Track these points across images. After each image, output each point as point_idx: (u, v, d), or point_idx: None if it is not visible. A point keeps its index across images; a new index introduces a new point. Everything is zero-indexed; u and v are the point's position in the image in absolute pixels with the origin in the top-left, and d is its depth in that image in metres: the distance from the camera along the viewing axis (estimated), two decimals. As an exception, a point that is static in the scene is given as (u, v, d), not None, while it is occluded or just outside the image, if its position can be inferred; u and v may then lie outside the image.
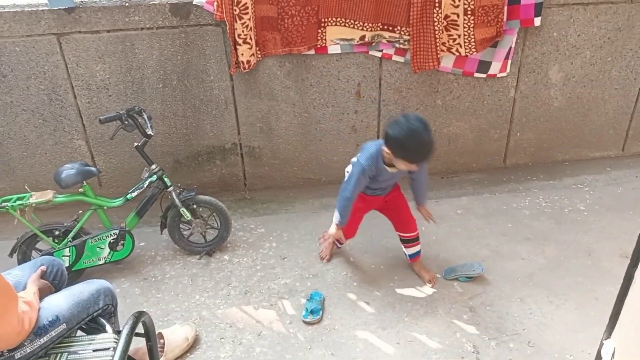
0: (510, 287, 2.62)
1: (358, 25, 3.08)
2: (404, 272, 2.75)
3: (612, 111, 3.70)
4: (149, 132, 2.67)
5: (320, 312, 2.46)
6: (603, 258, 2.79)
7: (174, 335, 2.28)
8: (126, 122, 2.55)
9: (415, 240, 2.64)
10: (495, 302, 2.52)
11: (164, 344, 2.24)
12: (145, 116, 2.70)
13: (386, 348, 2.28)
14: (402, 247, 2.69)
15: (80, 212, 2.69)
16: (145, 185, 2.74)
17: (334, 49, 3.15)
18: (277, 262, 2.86)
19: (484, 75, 3.38)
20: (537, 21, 3.19)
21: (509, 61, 3.35)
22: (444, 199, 3.43)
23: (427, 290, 2.62)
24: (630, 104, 3.69)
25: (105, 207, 2.73)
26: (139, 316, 1.67)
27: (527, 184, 3.57)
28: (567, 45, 3.39)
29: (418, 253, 2.68)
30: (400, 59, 3.26)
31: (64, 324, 1.65)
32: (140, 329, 1.75)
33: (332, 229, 2.46)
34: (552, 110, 3.62)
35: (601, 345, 1.60)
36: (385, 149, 2.19)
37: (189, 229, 2.88)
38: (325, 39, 3.11)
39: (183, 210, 2.76)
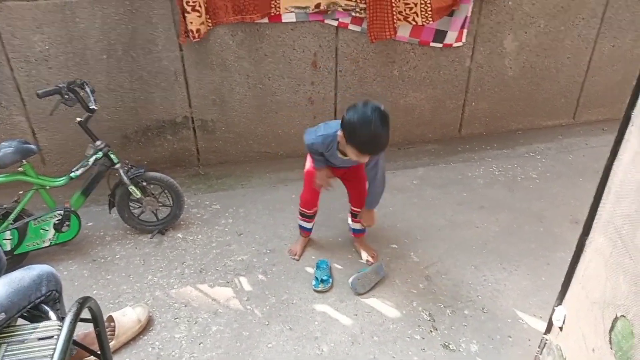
0: (465, 255, 2.65)
1: (312, -8, 2.98)
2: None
3: (564, 80, 3.76)
4: (92, 106, 2.52)
5: (331, 280, 2.47)
6: (554, 224, 2.87)
7: (126, 318, 2.20)
8: (66, 96, 2.39)
9: None
10: (451, 271, 2.55)
11: (114, 327, 2.16)
12: (88, 89, 2.55)
13: (344, 320, 2.28)
14: (349, 219, 2.67)
15: (21, 192, 2.54)
16: (90, 163, 2.60)
17: (288, 17, 3.05)
18: (233, 238, 2.80)
19: (440, 45, 3.36)
20: None
21: (465, 30, 3.33)
22: (400, 169, 3.43)
23: (385, 261, 2.62)
24: (581, 73, 3.76)
25: (47, 187, 2.59)
26: (83, 302, 1.58)
27: (481, 153, 3.61)
28: (521, 14, 3.39)
29: (360, 231, 2.66)
30: (357, 29, 3.19)
31: (3, 313, 1.55)
32: (87, 314, 1.67)
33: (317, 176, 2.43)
34: (506, 79, 3.65)
35: (553, 311, 1.63)
36: (339, 133, 2.12)
37: (139, 207, 2.78)
38: (279, 7, 3.00)
39: (132, 188, 2.64)
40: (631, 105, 1.25)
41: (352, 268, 2.57)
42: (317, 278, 2.47)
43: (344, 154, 2.21)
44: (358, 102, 2.04)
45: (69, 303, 1.82)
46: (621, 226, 1.24)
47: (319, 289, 2.43)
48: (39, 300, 1.69)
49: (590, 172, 3.31)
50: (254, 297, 2.42)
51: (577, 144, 3.71)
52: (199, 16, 2.85)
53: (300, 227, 2.67)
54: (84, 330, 2.12)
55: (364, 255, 2.63)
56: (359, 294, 2.40)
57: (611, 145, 1.32)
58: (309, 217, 2.61)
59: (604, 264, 1.32)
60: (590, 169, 3.35)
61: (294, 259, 2.64)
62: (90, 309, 1.69)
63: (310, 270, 2.56)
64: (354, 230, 2.66)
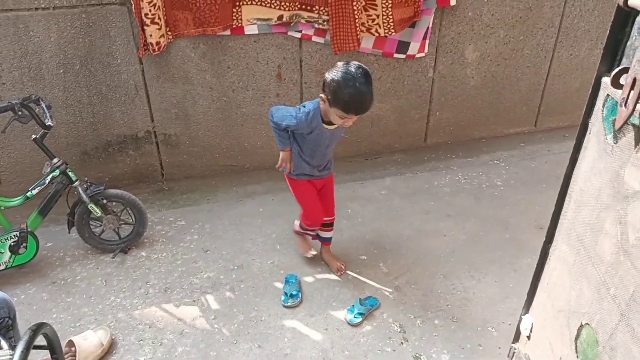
0: (434, 265, 2.66)
1: (275, 4, 2.96)
2: (330, 256, 2.72)
3: (525, 88, 3.84)
4: (48, 122, 2.43)
5: (300, 295, 2.42)
6: (519, 231, 2.91)
7: (87, 342, 2.11)
8: (19, 113, 2.30)
9: (332, 224, 2.59)
10: (420, 280, 2.55)
11: (75, 352, 2.06)
12: (43, 105, 2.46)
13: (314, 335, 2.24)
14: (317, 230, 2.63)
15: (-28, 214, 2.43)
16: (47, 181, 2.50)
17: (250, 30, 3.02)
18: (199, 255, 2.74)
19: (403, 56, 3.39)
20: (453, 0, 3.22)
21: (427, 41, 3.37)
22: (368, 180, 3.43)
23: (354, 272, 2.60)
24: (541, 81, 3.85)
25: (2, 207, 2.48)
26: (36, 329, 1.50)
27: (447, 162, 3.65)
28: (481, 24, 3.46)
29: (330, 239, 2.64)
30: (320, 40, 3.19)
31: (-51, 344, 1.46)
32: (43, 341, 1.58)
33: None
34: (468, 89, 3.71)
35: (520, 320, 1.64)
36: (322, 96, 2.05)
37: (100, 226, 2.68)
38: (241, 19, 2.97)
39: (92, 207, 2.55)
40: (587, 113, 1.27)
41: (322, 281, 2.54)
42: (286, 293, 2.42)
43: (329, 123, 2.15)
44: (337, 63, 2.01)
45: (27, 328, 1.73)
46: (583, 234, 1.26)
47: (288, 304, 2.38)
48: (-11, 328, 1.60)
49: (552, 179, 3.38)
50: (221, 315, 2.35)
51: (540, 151, 3.79)
52: (159, 29, 2.79)
53: (320, 237, 2.64)
54: (43, 356, 2.03)
55: (333, 267, 2.60)
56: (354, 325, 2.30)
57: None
58: (326, 226, 2.57)
59: (568, 272, 1.33)
60: (553, 175, 3.42)
61: (310, 254, 2.63)
62: (46, 336, 1.60)
63: (279, 285, 2.52)
64: (325, 239, 2.64)
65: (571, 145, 1.35)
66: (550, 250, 1.46)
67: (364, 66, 1.98)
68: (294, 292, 2.42)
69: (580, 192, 1.29)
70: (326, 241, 2.65)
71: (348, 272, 2.60)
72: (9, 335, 1.70)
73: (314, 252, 2.65)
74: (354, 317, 2.28)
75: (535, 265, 1.52)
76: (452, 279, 2.56)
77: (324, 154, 2.33)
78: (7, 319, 1.67)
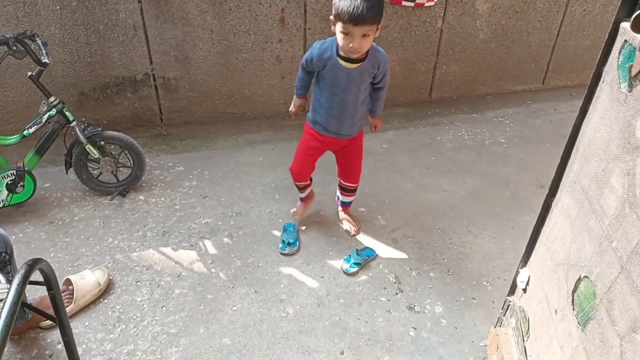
0: (432, 219, 2.65)
1: (280, -57, 2.83)
2: (329, 207, 2.71)
3: (535, 44, 3.73)
4: (44, 59, 2.36)
5: (298, 243, 2.43)
6: (520, 188, 2.89)
7: (84, 281, 2.12)
8: (14, 48, 2.22)
9: (354, 190, 2.53)
10: (417, 234, 2.55)
11: (73, 290, 2.08)
12: (39, 42, 2.38)
13: (310, 282, 2.25)
14: (338, 192, 2.58)
15: (-31, 151, 2.40)
16: (43, 120, 2.46)
17: (254, -30, 2.90)
18: (198, 201, 2.73)
19: (412, 4, 3.27)
20: None
21: (437, -11, 3.25)
22: (370, 132, 3.37)
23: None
24: (552, 37, 3.74)
25: (-2, 145, 2.44)
26: (32, 264, 1.50)
27: (451, 117, 3.59)
28: (494, -26, 3.32)
29: (351, 203, 2.60)
30: (326, -16, 3.07)
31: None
32: (41, 278, 1.59)
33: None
34: (477, 42, 3.60)
35: (517, 273, 1.64)
36: (331, 17, 1.92)
37: (98, 167, 2.66)
38: (244, -42, 2.84)
39: (89, 148, 2.52)
40: (602, 62, 1.22)
41: (320, 231, 2.54)
42: (283, 241, 2.43)
43: (344, 59, 2.01)
44: None
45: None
46: (588, 186, 1.23)
47: (286, 251, 2.39)
48: (-15, 263, 1.60)
49: (557, 138, 3.33)
50: (218, 260, 2.36)
51: (546, 109, 3.72)
52: (159, -35, 2.68)
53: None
54: (42, 294, 2.05)
55: (348, 226, 2.56)
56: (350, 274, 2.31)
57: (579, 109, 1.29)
58: (299, 189, 2.52)
59: (570, 225, 1.31)
60: (558, 134, 3.38)
61: (293, 218, 2.59)
62: (42, 271, 1.61)
63: (277, 233, 2.52)
64: (343, 203, 2.60)
65: (578, 105, 1.30)
66: (553, 203, 1.44)
67: None
68: (291, 240, 2.42)
69: (588, 143, 1.26)
70: (344, 205, 2.60)
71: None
72: (7, 270, 1.70)
73: (296, 219, 2.58)
74: (350, 266, 2.30)
75: (536, 220, 1.50)
76: (450, 234, 2.56)
77: (343, 103, 2.13)
78: (4, 254, 1.67)
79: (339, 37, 1.91)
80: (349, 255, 2.35)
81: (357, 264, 2.31)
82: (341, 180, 2.51)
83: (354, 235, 2.54)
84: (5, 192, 2.48)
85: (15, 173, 2.45)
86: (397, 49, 3.45)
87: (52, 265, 2.33)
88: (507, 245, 2.49)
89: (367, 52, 2.00)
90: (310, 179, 2.52)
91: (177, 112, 3.33)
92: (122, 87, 3.12)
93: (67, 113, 2.47)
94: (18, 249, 2.41)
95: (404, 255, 2.41)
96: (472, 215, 2.69)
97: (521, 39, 3.67)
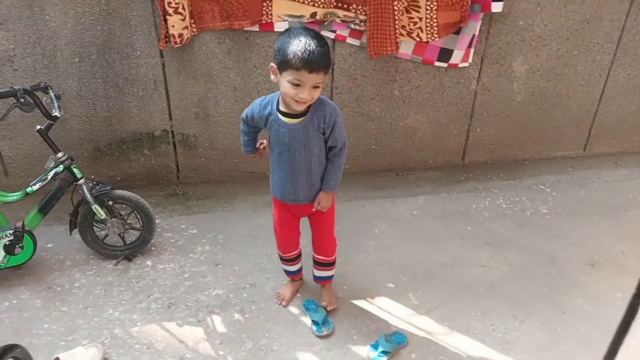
0: (470, 299, 2.35)
1: (308, 0, 2.72)
2: (354, 281, 2.43)
3: (576, 108, 3.51)
4: (55, 113, 2.22)
5: (331, 321, 2.16)
6: (568, 266, 2.57)
7: (74, 361, 1.88)
8: (22, 100, 2.09)
9: (328, 265, 2.23)
10: (454, 317, 2.25)
11: (60, 372, 1.83)
12: (52, 94, 2.27)
13: (331, 373, 1.96)
14: (313, 265, 2.28)
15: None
16: (49, 177, 2.29)
17: (281, 26, 2.78)
18: (209, 269, 2.48)
19: (445, 65, 3.10)
20: (496, 6, 2.89)
21: (472, 50, 3.08)
22: (399, 197, 3.14)
23: (380, 302, 2.31)
24: (594, 102, 3.52)
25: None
26: (3, 352, 1.27)
27: (486, 183, 3.34)
28: (533, 35, 3.15)
29: (328, 278, 2.28)
30: (356, 42, 2.94)
31: None
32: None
33: None
34: (514, 105, 3.40)
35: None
36: (271, 65, 1.75)
37: (104, 229, 2.46)
38: (271, 14, 2.73)
39: (96, 208, 2.33)
40: None
41: (343, 309, 2.26)
42: (316, 322, 2.12)
43: (285, 115, 1.83)
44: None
45: (14, 337, 1.51)
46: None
47: (324, 333, 2.10)
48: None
49: (604, 209, 3.03)
50: (227, 340, 2.09)
51: (589, 177, 3.44)
52: (182, 19, 2.57)
53: (284, 270, 2.31)
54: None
55: (323, 301, 2.26)
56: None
57: (626, 181, 1.03)
58: (288, 261, 2.25)
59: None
60: (605, 205, 3.07)
61: (280, 304, 2.28)
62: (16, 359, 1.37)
63: (295, 310, 2.24)
64: (316, 278, 2.29)
65: (624, 174, 1.09)
66: None
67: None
68: (324, 320, 2.13)
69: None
70: (319, 280, 2.29)
71: (372, 302, 2.31)
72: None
73: (285, 304, 2.28)
74: (378, 355, 1.99)
75: (618, 326, 1.21)
76: (492, 318, 2.24)
77: (292, 163, 1.90)
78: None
79: (286, 87, 1.71)
80: (377, 342, 2.05)
81: (385, 352, 2.00)
82: (315, 254, 2.22)
83: (328, 310, 2.22)
84: (3, 253, 2.29)
85: (13, 233, 2.26)
86: (428, 110, 3.26)
87: (44, 338, 2.09)
88: (558, 335, 2.16)
89: (309, 105, 1.80)
90: (300, 252, 2.26)
91: (195, 170, 3.15)
92: (139, 143, 2.98)
93: (75, 170, 2.31)
94: (9, 318, 2.20)
95: (440, 343, 2.10)
96: (515, 296, 2.37)
97: (561, 102, 3.45)
